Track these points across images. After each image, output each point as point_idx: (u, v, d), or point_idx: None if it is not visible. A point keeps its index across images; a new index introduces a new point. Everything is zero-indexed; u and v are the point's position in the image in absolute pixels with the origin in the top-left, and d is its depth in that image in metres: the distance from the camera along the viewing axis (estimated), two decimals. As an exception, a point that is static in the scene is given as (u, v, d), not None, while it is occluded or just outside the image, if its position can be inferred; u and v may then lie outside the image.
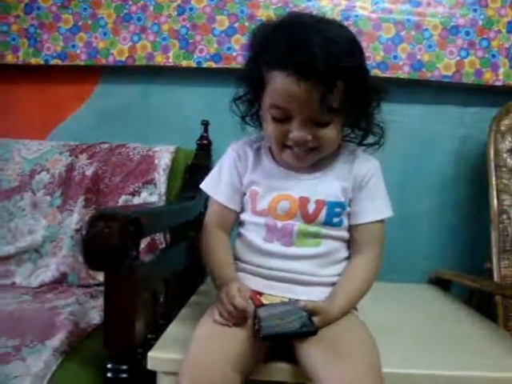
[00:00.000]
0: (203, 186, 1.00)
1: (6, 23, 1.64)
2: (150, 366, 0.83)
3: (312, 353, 0.77)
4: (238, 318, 0.80)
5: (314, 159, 0.90)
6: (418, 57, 1.55)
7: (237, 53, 1.57)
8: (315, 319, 0.78)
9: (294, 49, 0.78)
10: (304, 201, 0.89)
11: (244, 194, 0.96)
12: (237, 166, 0.97)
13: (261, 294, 0.89)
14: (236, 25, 1.57)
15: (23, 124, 1.71)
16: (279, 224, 0.90)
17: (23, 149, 1.50)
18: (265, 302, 0.86)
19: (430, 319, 1.15)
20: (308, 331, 0.75)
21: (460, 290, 1.45)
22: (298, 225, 0.89)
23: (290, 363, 0.81)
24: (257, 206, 0.93)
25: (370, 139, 0.95)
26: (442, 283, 1.49)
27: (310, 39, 0.78)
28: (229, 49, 1.58)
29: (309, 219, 0.89)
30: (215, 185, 0.98)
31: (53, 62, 1.64)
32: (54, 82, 1.70)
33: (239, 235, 0.97)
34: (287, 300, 0.86)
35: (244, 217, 0.96)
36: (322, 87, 0.78)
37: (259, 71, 0.85)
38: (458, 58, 1.54)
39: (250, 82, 0.90)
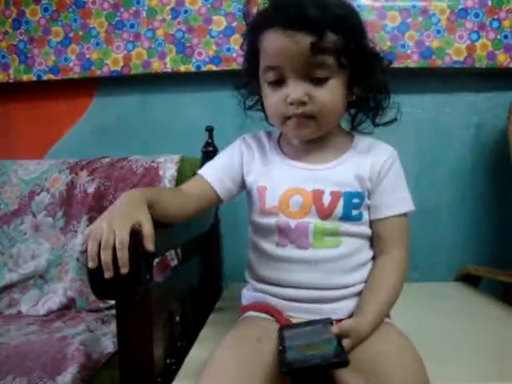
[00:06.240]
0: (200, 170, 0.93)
1: (-7, 40, 1.58)
2: (173, 399, 0.75)
3: (350, 379, 0.68)
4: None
5: (316, 130, 0.82)
6: (427, 44, 1.47)
7: (237, 53, 1.49)
8: (346, 342, 0.68)
9: (281, 5, 0.78)
10: (318, 194, 0.82)
11: (249, 193, 0.89)
12: (242, 151, 0.91)
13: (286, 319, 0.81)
14: (234, 24, 1.50)
15: (19, 145, 1.65)
16: (292, 223, 0.82)
17: (20, 169, 1.43)
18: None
19: (470, 322, 1.06)
20: (338, 362, 0.63)
21: (490, 287, 1.37)
22: (313, 222, 0.81)
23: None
24: (266, 203, 0.85)
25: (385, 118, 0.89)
26: (470, 280, 1.41)
27: None
28: (228, 50, 1.51)
29: (325, 214, 0.81)
30: (209, 164, 0.92)
31: (45, 77, 1.58)
32: (48, 98, 1.64)
33: (252, 245, 0.89)
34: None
35: (253, 218, 0.89)
36: (311, 34, 0.74)
37: (255, 41, 0.83)
38: (469, 41, 1.46)
39: (248, 57, 0.87)
